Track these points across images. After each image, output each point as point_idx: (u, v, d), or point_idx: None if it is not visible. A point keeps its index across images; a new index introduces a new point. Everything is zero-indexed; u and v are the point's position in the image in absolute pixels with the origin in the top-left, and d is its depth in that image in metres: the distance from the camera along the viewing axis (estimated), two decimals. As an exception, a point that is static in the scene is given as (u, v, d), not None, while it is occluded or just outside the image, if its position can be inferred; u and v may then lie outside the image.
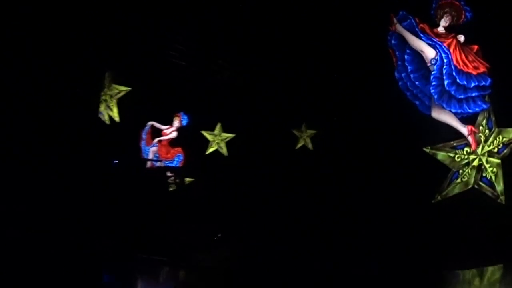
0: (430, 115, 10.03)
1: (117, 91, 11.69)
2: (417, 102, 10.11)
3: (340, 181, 11.53)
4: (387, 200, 9.97)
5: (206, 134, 13.60)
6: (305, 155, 13.47)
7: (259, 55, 12.15)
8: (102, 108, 11.51)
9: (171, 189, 12.03)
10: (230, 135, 13.62)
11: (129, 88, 11.72)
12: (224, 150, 13.63)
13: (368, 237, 9.21)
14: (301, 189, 11.85)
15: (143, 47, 11.57)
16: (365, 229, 9.71)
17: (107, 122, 11.66)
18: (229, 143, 13.65)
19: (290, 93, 12.67)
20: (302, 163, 13.02)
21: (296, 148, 13.62)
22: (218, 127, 13.61)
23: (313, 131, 13.60)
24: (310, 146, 13.67)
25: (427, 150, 10.12)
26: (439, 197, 10.10)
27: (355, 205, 10.66)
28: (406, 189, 9.88)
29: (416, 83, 10.00)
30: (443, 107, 9.73)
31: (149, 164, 13.03)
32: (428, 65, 9.81)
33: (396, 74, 10.11)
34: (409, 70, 10.04)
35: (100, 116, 11.47)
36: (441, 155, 10.14)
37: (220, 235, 9.15)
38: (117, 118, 11.62)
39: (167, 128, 13.26)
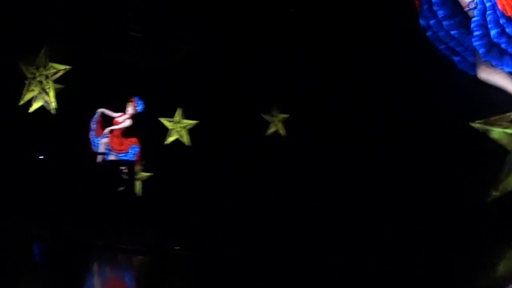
0: (475, 76, 7.49)
1: (54, 70, 9.83)
2: (456, 59, 7.66)
3: (322, 173, 10.18)
4: (415, 200, 7.39)
5: (164, 121, 12.12)
6: (277, 143, 12.32)
7: (224, 26, 10.62)
8: (36, 91, 9.73)
9: (121, 188, 10.67)
10: (192, 122, 12.17)
11: (69, 67, 9.94)
12: (186, 139, 12.20)
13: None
14: (273, 182, 10.84)
15: (86, 15, 9.81)
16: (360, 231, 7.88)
17: (53, 111, 10.07)
18: (191, 131, 12.22)
19: (258, 71, 11.26)
20: (274, 151, 11.89)
21: (267, 134, 12.45)
22: (178, 113, 12.17)
23: (286, 115, 12.40)
24: (282, 132, 12.47)
25: (477, 125, 7.45)
26: (495, 193, 7.41)
27: (348, 205, 9.02)
28: (444, 183, 7.25)
29: (452, 32, 7.62)
30: (493, 65, 7.18)
31: (99, 158, 11.51)
32: (466, 9, 7.45)
33: (421, 21, 7.76)
34: (440, 16, 7.66)
35: (45, 105, 9.97)
36: (496, 133, 7.45)
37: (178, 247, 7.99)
38: (54, 104, 9.88)
39: (120, 116, 11.56)
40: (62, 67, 9.84)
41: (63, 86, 9.90)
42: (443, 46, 7.55)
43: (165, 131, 12.17)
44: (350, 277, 5.69)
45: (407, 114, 8.12)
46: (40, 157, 9.87)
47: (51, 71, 9.73)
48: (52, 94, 9.73)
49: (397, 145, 8.28)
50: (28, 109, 9.74)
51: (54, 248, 7.67)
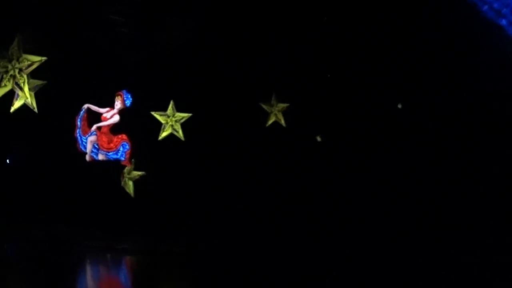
0: None
1: (28, 62, 9.03)
2: (503, 22, 6.65)
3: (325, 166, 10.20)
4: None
5: (156, 115, 11.38)
6: (278, 134, 11.69)
7: (219, 14, 10.04)
8: (9, 87, 8.92)
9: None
10: (186, 115, 11.42)
11: (44, 58, 9.10)
12: (180, 134, 11.48)
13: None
14: (274, 176, 10.61)
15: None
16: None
17: (35, 109, 9.36)
18: (185, 125, 11.51)
19: (255, 59, 10.74)
20: (274, 143, 11.37)
21: (267, 126, 11.77)
22: (171, 106, 11.42)
23: (286, 104, 11.73)
24: (283, 122, 11.81)
25: None
26: None
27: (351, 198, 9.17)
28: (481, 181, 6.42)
29: None
30: None
31: (88, 157, 10.89)
32: None
33: None
34: None
35: (27, 103, 9.25)
36: None
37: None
38: (29, 99, 9.07)
39: (107, 111, 10.89)
40: (37, 59, 9.06)
41: (40, 80, 9.25)
42: (486, 7, 6.55)
43: (158, 126, 11.47)
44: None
45: (437, 96, 7.18)
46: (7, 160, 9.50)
47: (25, 63, 9.01)
48: (26, 89, 9.01)
49: (398, 140, 7.50)
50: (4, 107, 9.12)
51: (42, 248, 7.66)
